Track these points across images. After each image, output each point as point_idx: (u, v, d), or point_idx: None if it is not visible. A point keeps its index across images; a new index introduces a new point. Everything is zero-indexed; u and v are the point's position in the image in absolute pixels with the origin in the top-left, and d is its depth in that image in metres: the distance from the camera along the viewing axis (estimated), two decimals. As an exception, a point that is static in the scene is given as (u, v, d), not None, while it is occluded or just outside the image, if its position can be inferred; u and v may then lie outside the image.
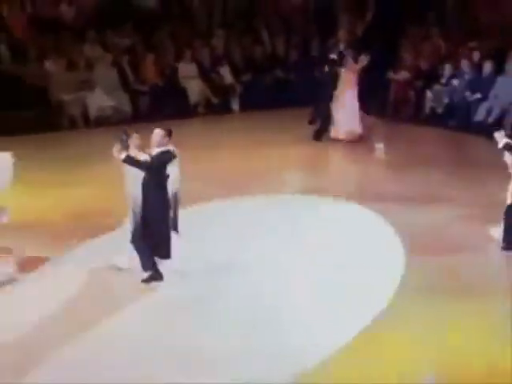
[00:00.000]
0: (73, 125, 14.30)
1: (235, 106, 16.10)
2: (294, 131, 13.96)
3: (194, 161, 11.75)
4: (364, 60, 13.39)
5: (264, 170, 11.66)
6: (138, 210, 7.47)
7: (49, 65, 14.58)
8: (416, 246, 8.35)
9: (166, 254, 7.52)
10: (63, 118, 14.29)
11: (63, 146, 12.93)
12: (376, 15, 17.52)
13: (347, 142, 13.34)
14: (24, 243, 8.34)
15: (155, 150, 7.51)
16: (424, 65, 15.65)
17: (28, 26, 15.40)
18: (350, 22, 17.13)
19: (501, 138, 8.37)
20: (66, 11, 16.13)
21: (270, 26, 17.64)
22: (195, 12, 17.88)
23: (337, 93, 13.33)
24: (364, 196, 10.22)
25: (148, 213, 7.40)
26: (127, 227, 7.66)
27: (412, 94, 15.44)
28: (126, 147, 7.39)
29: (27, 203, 9.82)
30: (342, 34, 14.86)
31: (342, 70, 13.37)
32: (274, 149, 12.82)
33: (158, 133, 7.57)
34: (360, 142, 13.33)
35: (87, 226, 8.99)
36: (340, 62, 13.41)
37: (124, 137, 7.44)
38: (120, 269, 7.67)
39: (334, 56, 13.58)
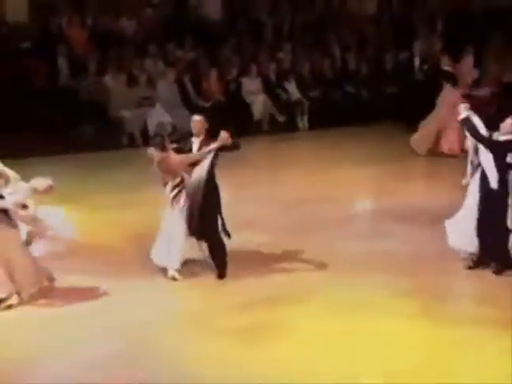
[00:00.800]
0: (132, 142, 13.96)
1: (302, 123, 15.63)
2: (366, 150, 13.26)
3: (255, 183, 11.26)
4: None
5: (334, 196, 10.88)
6: None
7: (108, 80, 14.34)
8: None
9: None
10: (122, 136, 13.92)
11: (122, 164, 12.60)
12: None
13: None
14: (78, 268, 8.12)
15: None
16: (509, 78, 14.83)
17: (88, 41, 15.23)
18: (427, 33, 16.60)
19: (463, 111, 7.88)
20: (127, 25, 15.93)
21: (340, 39, 17.14)
22: (261, 25, 17.54)
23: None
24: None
25: None
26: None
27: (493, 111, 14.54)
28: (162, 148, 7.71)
29: (85, 225, 9.49)
30: (418, 45, 14.27)
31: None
32: (344, 171, 12.16)
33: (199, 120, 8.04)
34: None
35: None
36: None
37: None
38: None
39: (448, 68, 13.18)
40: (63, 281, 7.77)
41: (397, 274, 8.12)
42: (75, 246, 8.67)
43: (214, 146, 8.01)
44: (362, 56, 16.93)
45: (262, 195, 10.91)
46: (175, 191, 7.96)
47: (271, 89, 15.64)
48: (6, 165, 10.53)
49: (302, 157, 13.66)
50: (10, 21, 15.01)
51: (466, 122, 7.98)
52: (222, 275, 8.05)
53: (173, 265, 8.01)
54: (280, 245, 9.00)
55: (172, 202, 7.96)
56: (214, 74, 15.23)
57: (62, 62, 14.45)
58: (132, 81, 14.37)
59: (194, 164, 7.95)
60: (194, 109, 14.67)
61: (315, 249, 8.89)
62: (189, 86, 14.98)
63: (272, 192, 11.12)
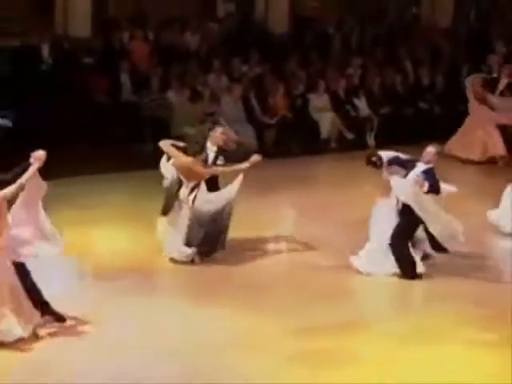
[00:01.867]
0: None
1: (372, 141, 15.20)
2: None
3: (322, 206, 10.84)
4: None
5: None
6: None
7: (171, 96, 14.23)
8: None
9: None
10: (184, 153, 13.73)
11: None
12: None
13: None
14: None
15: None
16: None
17: (150, 56, 15.17)
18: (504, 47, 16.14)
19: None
20: (191, 40, 15.85)
21: (413, 53, 16.74)
22: (329, 39, 17.28)
23: None
24: None
25: None
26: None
27: None
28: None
29: (139, 244, 9.50)
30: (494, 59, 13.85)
31: None
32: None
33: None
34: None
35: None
36: None
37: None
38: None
39: None
40: (114, 302, 7.61)
41: (466, 300, 7.94)
42: (127, 267, 8.63)
43: (244, 165, 8.72)
44: (435, 71, 16.45)
45: (329, 215, 10.67)
46: (193, 194, 8.80)
47: (340, 105, 15.30)
48: (64, 181, 10.65)
49: (371, 176, 13.22)
50: (73, 36, 15.07)
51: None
52: None
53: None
54: (343, 267, 8.85)
55: (190, 202, 8.75)
56: (280, 90, 14.96)
57: (125, 77, 14.42)
58: (195, 96, 14.23)
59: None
60: (258, 125, 14.53)
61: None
62: (254, 102, 14.74)
63: (338, 212, 10.87)
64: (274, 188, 11.58)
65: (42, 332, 7.04)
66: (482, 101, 13.81)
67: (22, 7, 15.87)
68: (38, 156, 7.09)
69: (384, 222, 8.69)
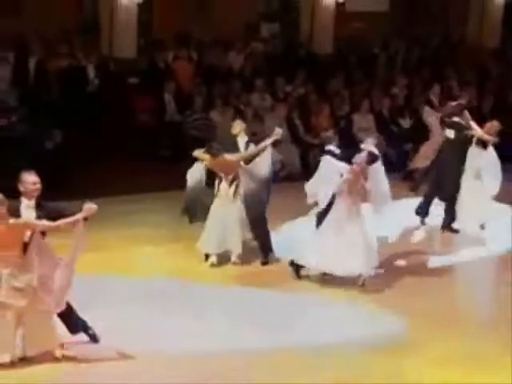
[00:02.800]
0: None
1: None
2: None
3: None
4: None
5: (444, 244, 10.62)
6: None
7: (215, 115, 14.30)
8: None
9: None
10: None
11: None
12: None
13: None
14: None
15: None
16: None
17: (194, 75, 15.36)
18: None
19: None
20: (235, 60, 15.94)
21: (460, 74, 16.67)
22: (374, 59, 17.32)
23: None
24: None
25: None
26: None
27: None
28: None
29: (183, 263, 9.55)
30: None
31: None
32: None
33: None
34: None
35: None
36: None
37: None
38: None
39: None
40: (163, 324, 7.63)
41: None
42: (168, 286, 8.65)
43: (268, 141, 9.35)
44: (483, 91, 16.31)
45: None
46: (233, 186, 9.42)
47: (385, 125, 15.24)
48: (109, 200, 10.73)
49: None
50: (119, 57, 15.32)
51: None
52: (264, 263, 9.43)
53: (235, 249, 9.37)
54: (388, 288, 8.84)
55: (234, 195, 9.35)
56: (324, 110, 14.96)
57: (169, 97, 14.58)
58: (239, 116, 14.21)
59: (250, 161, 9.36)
60: (302, 145, 14.55)
61: (425, 296, 8.77)
62: (297, 122, 14.78)
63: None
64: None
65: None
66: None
67: (68, 29, 16.23)
68: (88, 208, 7.12)
69: None
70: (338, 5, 17.96)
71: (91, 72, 14.72)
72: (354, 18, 18.78)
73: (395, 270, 9.64)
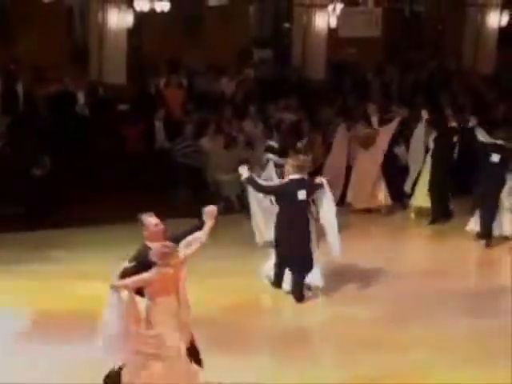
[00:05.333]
0: (229, 208, 13.81)
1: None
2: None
3: (364, 254, 11.01)
4: None
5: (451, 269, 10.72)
6: None
7: (205, 142, 14.35)
8: None
9: None
10: (218, 201, 13.82)
11: (219, 231, 12.34)
12: None
13: None
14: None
15: None
16: None
17: (184, 102, 15.46)
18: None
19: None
20: (227, 85, 16.11)
21: (455, 100, 16.81)
22: (367, 85, 17.47)
23: None
24: None
25: None
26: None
27: None
28: None
29: None
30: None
31: None
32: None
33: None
34: None
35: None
36: None
37: None
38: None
39: None
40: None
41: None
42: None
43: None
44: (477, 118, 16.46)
45: (372, 267, 10.81)
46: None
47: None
48: (95, 230, 10.72)
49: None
50: (108, 82, 15.42)
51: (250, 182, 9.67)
52: None
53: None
54: (389, 320, 8.93)
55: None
56: (317, 139, 15.03)
57: (159, 124, 14.63)
58: (230, 143, 14.32)
59: None
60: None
61: (428, 327, 8.80)
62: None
63: (383, 264, 10.98)
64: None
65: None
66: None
67: (58, 54, 16.38)
68: (211, 212, 7.17)
69: None
70: (330, 30, 18.17)
71: (81, 98, 14.78)
72: (346, 43, 18.98)
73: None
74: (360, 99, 16.60)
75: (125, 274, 6.81)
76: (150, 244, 7.01)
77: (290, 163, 9.69)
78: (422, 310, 9.37)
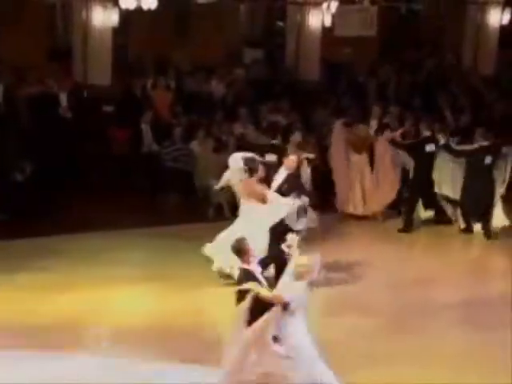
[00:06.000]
0: (219, 214, 13.85)
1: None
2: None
3: (360, 262, 11.23)
4: None
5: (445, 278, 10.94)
6: None
7: (195, 146, 14.42)
8: None
9: None
10: (209, 207, 13.95)
11: (208, 240, 12.33)
12: None
13: None
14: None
15: None
16: None
17: (173, 104, 15.53)
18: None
19: None
20: (216, 87, 16.18)
21: (453, 101, 17.00)
22: (363, 87, 17.56)
23: None
24: None
25: None
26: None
27: None
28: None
29: (163, 307, 9.60)
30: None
31: None
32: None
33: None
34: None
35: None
36: None
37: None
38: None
39: None
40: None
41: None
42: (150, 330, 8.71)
43: None
44: (477, 119, 16.60)
45: (369, 276, 10.93)
46: None
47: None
48: (81, 236, 10.73)
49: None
50: (93, 84, 15.48)
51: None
52: None
53: None
54: (385, 331, 9.01)
55: None
56: (311, 142, 15.08)
57: (146, 127, 14.70)
58: (220, 147, 14.35)
59: None
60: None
61: (424, 338, 8.86)
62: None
63: (379, 272, 11.11)
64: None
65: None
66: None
67: (39, 54, 16.42)
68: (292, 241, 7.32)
69: None
70: (324, 29, 18.27)
71: (63, 99, 14.79)
72: (341, 43, 19.08)
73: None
74: (355, 100, 16.76)
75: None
76: None
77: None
78: (418, 321, 9.46)
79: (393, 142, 13.60)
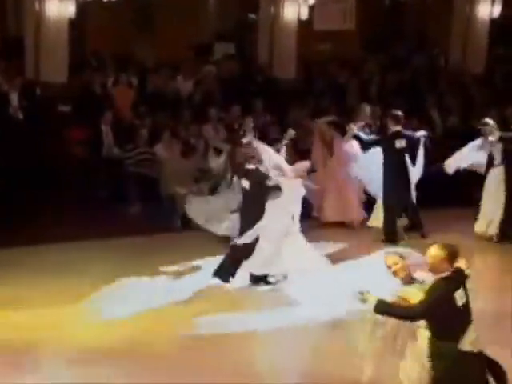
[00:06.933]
0: (186, 225, 13.67)
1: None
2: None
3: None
4: None
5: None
6: None
7: (160, 150, 14.33)
8: None
9: None
10: (175, 217, 13.79)
11: (173, 252, 12.31)
12: None
13: None
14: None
15: None
16: None
17: (135, 104, 15.45)
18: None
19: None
20: (183, 85, 16.13)
21: (441, 102, 17.04)
22: (343, 86, 17.56)
23: None
24: None
25: None
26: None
27: None
28: None
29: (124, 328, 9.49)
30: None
31: None
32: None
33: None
34: None
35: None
36: None
37: None
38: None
39: None
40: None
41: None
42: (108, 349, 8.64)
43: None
44: (466, 121, 16.65)
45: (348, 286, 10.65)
46: None
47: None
48: (33, 249, 10.62)
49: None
50: (47, 81, 15.29)
51: None
52: None
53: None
54: None
55: None
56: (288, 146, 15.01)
57: (106, 129, 14.58)
58: (188, 150, 14.30)
59: None
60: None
61: None
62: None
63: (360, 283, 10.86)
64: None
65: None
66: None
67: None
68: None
69: None
70: (300, 23, 18.17)
71: (14, 99, 14.60)
72: (319, 37, 19.05)
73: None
74: (335, 100, 16.71)
75: None
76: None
77: None
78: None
79: (356, 139, 13.46)
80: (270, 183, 10.76)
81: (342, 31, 18.83)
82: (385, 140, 13.30)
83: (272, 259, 10.76)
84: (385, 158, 13.15)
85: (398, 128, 13.22)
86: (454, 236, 11.83)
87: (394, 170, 13.10)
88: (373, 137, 13.55)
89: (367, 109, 14.81)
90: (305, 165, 11.35)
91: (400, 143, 13.15)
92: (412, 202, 13.30)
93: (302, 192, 11.05)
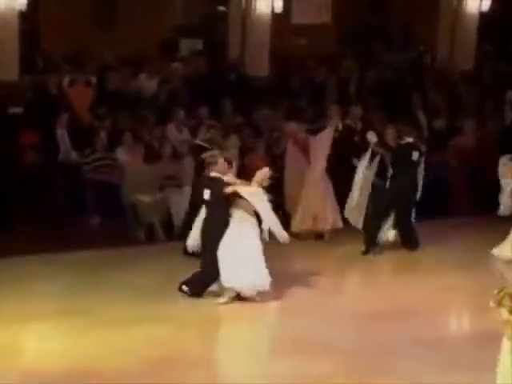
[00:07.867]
0: (151, 236, 13.81)
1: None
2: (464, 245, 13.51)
3: (317, 292, 11.37)
4: None
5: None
6: None
7: (121, 154, 14.31)
8: None
9: None
10: (138, 227, 13.80)
11: (138, 265, 12.37)
12: None
13: None
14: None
15: None
16: None
17: (94, 105, 15.40)
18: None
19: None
20: (146, 84, 16.14)
21: (427, 101, 17.16)
22: (321, 84, 17.59)
23: None
24: None
25: None
26: None
27: None
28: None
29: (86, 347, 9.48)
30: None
31: None
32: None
33: None
34: None
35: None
36: None
37: None
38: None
39: None
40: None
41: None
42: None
43: None
44: (454, 122, 16.74)
45: (325, 308, 10.95)
46: None
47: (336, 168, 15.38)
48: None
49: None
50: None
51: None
52: None
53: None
54: (347, 375, 8.94)
55: None
56: (259, 148, 15.03)
57: (62, 131, 14.50)
58: (151, 155, 14.32)
59: None
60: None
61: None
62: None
63: (338, 304, 11.17)
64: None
65: None
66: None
67: None
68: None
69: None
70: (274, 16, 18.15)
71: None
72: (295, 31, 19.07)
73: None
74: (311, 100, 16.72)
75: None
76: None
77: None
78: (392, 363, 9.36)
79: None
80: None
81: (319, 25, 18.87)
82: (402, 149, 13.24)
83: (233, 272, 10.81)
84: (395, 169, 13.11)
85: (411, 139, 13.25)
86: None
87: (404, 182, 13.13)
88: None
89: (334, 108, 14.84)
90: (264, 173, 11.21)
91: (415, 155, 13.20)
92: (410, 220, 13.41)
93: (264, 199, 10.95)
